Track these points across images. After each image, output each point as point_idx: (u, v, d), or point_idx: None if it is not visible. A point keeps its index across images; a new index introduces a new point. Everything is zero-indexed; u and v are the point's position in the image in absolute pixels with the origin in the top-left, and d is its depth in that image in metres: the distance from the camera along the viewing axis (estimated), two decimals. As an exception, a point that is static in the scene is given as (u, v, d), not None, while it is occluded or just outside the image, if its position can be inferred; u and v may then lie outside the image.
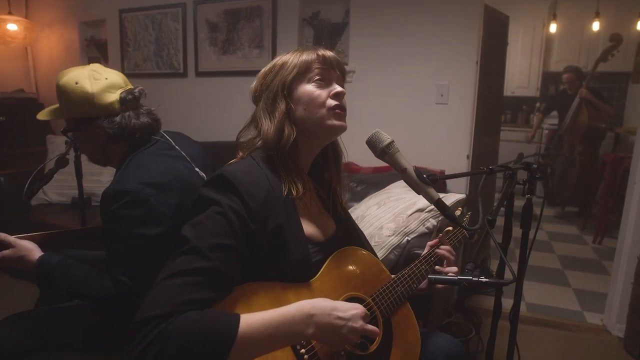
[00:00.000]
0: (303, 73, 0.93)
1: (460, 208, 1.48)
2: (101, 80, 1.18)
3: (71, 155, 1.61)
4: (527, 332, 2.27)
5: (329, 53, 0.96)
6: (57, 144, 3.18)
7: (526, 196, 1.27)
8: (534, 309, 2.55)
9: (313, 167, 1.05)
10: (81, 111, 1.18)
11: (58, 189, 2.95)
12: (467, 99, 2.38)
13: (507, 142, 5.14)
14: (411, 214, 1.62)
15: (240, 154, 0.97)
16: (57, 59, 3.88)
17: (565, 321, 2.38)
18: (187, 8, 3.11)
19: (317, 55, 0.94)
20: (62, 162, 1.46)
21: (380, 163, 2.45)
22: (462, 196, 1.65)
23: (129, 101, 1.20)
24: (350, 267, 0.97)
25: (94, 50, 3.70)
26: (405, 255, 1.53)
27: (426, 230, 1.61)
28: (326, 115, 0.92)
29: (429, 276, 1.01)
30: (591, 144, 4.16)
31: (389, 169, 2.39)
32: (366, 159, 2.63)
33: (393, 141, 0.91)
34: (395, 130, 2.55)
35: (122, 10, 3.38)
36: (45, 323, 1.28)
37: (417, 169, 0.88)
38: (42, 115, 1.29)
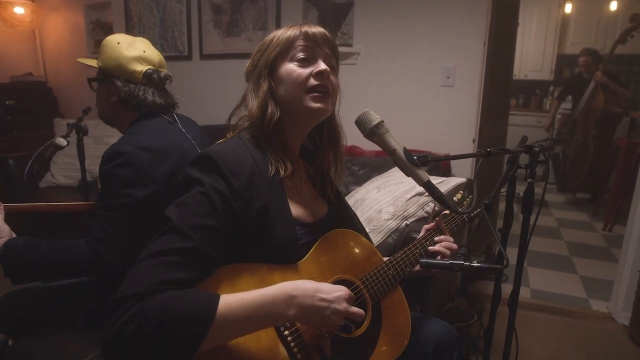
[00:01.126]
0: (286, 51, 0.91)
1: (461, 191, 1.45)
2: (138, 50, 1.29)
3: (73, 139, 1.63)
4: (530, 319, 2.25)
5: (314, 29, 0.93)
6: (64, 127, 3.21)
7: (528, 180, 1.25)
8: (538, 295, 2.52)
9: (307, 149, 1.03)
10: (109, 66, 1.27)
11: (66, 172, 2.98)
12: (474, 81, 2.32)
13: (519, 127, 5.04)
14: (410, 198, 1.60)
15: (230, 134, 0.95)
16: (63, 42, 3.89)
17: (570, 308, 2.35)
18: (191, -11, 3.07)
19: (300, 31, 0.91)
20: (58, 145, 1.46)
21: (376, 149, 2.42)
22: (462, 180, 1.61)
23: (152, 78, 1.29)
24: (340, 250, 0.95)
25: (100, 33, 3.69)
26: (403, 239, 1.51)
27: (425, 215, 1.59)
28: (304, 97, 0.90)
29: (421, 260, 0.99)
30: (606, 129, 4.05)
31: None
32: (370, 142, 2.61)
33: (382, 121, 0.88)
34: (400, 112, 2.53)
35: (127, -7, 3.36)
36: (47, 300, 1.30)
37: (406, 151, 0.86)
38: (82, 60, 1.42)
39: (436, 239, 1.12)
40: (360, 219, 1.64)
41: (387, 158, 2.25)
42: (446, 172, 2.30)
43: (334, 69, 0.97)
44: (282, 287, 0.74)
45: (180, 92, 3.44)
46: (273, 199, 0.86)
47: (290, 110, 0.92)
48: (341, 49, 2.53)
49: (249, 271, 0.81)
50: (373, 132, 0.86)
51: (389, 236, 1.57)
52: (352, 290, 0.93)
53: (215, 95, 3.15)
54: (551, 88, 5.36)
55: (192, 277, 0.72)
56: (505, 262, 0.97)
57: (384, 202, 1.63)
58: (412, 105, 2.49)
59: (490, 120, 2.53)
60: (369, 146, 2.58)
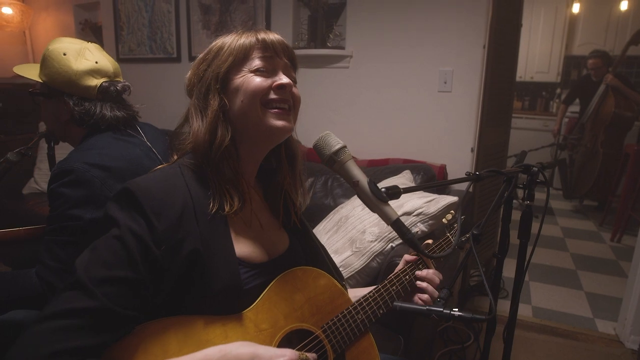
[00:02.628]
0: (240, 61, 0.78)
1: (452, 212, 1.31)
2: (89, 62, 1.16)
3: (43, 148, 1.52)
4: (530, 341, 2.11)
5: (272, 36, 0.80)
6: (49, 132, 3.11)
7: (525, 202, 1.12)
8: (540, 313, 2.38)
9: (265, 169, 0.90)
10: (57, 82, 1.15)
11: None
12: (473, 86, 2.18)
13: (524, 131, 4.88)
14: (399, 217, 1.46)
15: (174, 157, 0.83)
16: (53, 43, 3.79)
17: (574, 329, 2.20)
18: (180, -11, 2.95)
19: (257, 39, 0.78)
20: (10, 160, 1.35)
21: (376, 155, 2.30)
22: (454, 199, 1.47)
23: (108, 92, 1.19)
24: (299, 293, 0.82)
25: (90, 34, 3.58)
26: (387, 263, 1.38)
27: (419, 232, 1.45)
28: (263, 114, 0.77)
29: (395, 303, 0.86)
30: (616, 134, 3.87)
31: (384, 162, 2.23)
32: (362, 151, 2.48)
33: (344, 147, 0.75)
34: (394, 119, 2.39)
35: (116, -8, 3.25)
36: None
37: (372, 183, 0.72)
38: (19, 70, 1.25)
39: (418, 273, 0.98)
40: (343, 239, 1.51)
41: (379, 169, 2.13)
42: (442, 189, 2.15)
43: (295, 81, 0.84)
44: (207, 356, 0.61)
45: (170, 95, 3.31)
46: (211, 239, 0.73)
47: (247, 130, 0.79)
48: (333, 52, 2.42)
49: (181, 328, 0.68)
50: (332, 159, 0.73)
51: (372, 259, 1.43)
52: (311, 342, 0.80)
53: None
54: (558, 90, 5.18)
55: (96, 343, 0.59)
56: (491, 312, 0.84)
57: (369, 221, 1.49)
58: (406, 111, 2.35)
59: (491, 126, 2.38)
60: (363, 155, 2.45)
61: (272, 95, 0.77)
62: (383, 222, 1.44)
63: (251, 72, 0.77)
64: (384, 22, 2.33)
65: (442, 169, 2.13)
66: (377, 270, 1.43)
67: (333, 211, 1.80)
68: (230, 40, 0.80)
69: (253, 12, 2.70)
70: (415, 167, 2.04)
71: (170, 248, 0.67)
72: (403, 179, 1.84)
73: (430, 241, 1.06)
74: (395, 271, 1.00)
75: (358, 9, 2.39)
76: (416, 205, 1.45)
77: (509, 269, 2.83)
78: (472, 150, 2.23)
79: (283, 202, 0.91)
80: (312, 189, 2.17)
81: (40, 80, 1.19)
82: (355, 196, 1.82)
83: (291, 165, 0.90)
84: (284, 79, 0.78)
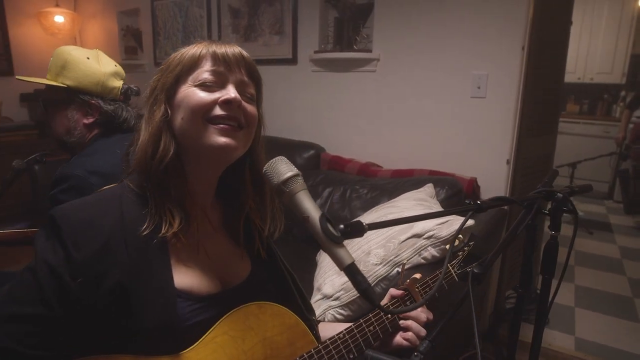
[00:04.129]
0: (187, 72, 0.70)
1: (460, 236, 1.16)
2: (110, 65, 1.23)
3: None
4: (570, 379, 1.87)
5: (226, 48, 0.72)
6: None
7: (551, 233, 0.97)
8: (584, 346, 2.11)
9: (230, 189, 0.81)
10: (84, 84, 1.18)
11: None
12: (510, 91, 1.97)
13: (581, 137, 4.47)
14: (405, 240, 1.32)
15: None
16: (99, 48, 3.95)
17: (624, 369, 1.93)
18: (211, -7, 2.96)
19: (208, 50, 0.70)
20: (17, 168, 1.37)
21: (402, 165, 2.16)
22: (470, 222, 1.31)
23: (128, 95, 1.25)
24: (251, 331, 0.72)
25: (131, 40, 3.71)
26: (392, 290, 1.25)
27: (423, 261, 1.31)
28: (205, 130, 0.68)
29: (367, 352, 0.74)
30: (688, 143, 3.42)
31: (409, 173, 2.08)
32: (388, 160, 2.33)
33: (297, 175, 0.64)
34: (422, 127, 2.23)
35: (154, -1, 3.33)
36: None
37: (325, 219, 0.61)
38: (31, 79, 1.28)
39: (407, 314, 0.86)
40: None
41: (401, 180, 1.98)
42: (472, 198, 1.97)
43: (253, 97, 0.75)
44: None
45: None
46: (144, 269, 0.65)
47: (189, 147, 0.71)
48: (358, 55, 2.30)
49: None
50: (280, 189, 0.63)
51: (376, 284, 1.31)
52: (261, 393, 0.70)
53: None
54: (623, 93, 4.68)
55: None
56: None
57: (375, 242, 1.36)
58: (436, 118, 2.18)
59: (532, 136, 2.15)
60: (388, 163, 2.31)
61: (217, 112, 0.69)
62: (390, 244, 1.32)
63: (195, 85, 0.69)
64: (413, 22, 2.17)
65: (472, 182, 1.95)
66: (381, 297, 1.30)
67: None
68: (184, 51, 0.72)
69: (280, 15, 2.64)
70: (440, 180, 1.88)
71: (89, 281, 0.61)
72: (422, 194, 1.68)
73: (418, 275, 0.92)
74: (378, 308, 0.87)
75: (386, 10, 2.25)
76: (427, 227, 1.31)
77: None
78: (508, 162, 2.02)
79: (247, 227, 0.82)
80: (330, 199, 2.07)
81: (64, 85, 1.20)
82: (368, 212, 1.70)
83: (257, 187, 0.81)
84: (230, 94, 0.69)
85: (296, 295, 0.84)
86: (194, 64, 0.70)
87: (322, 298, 1.37)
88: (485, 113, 2.04)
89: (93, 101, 1.17)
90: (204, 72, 0.70)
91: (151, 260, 0.66)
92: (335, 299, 1.34)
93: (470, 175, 2.01)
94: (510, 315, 2.33)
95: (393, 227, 1.42)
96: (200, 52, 0.70)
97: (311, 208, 0.62)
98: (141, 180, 0.70)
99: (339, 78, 2.48)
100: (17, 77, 1.35)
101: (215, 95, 0.69)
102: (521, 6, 1.87)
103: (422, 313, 0.86)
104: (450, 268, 0.99)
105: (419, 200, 1.60)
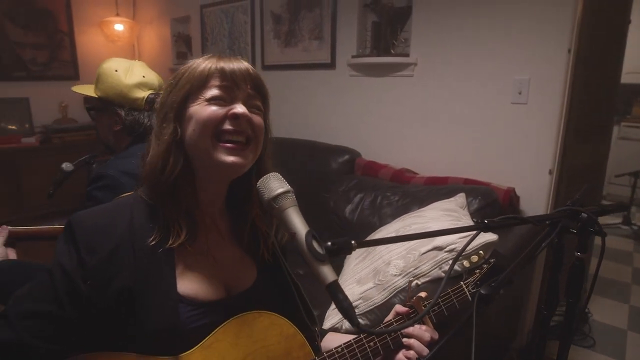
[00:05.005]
0: (197, 89, 0.74)
1: (481, 252, 1.12)
2: (137, 76, 1.30)
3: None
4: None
5: (234, 64, 0.74)
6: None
7: (576, 254, 0.92)
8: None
9: (237, 195, 0.84)
10: (110, 95, 1.28)
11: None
12: (554, 97, 1.86)
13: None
14: (425, 252, 1.29)
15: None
16: (155, 54, 4.21)
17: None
18: (255, 0, 3.04)
19: (216, 67, 0.74)
20: (64, 170, 1.49)
21: (438, 172, 2.12)
22: (493, 238, 1.25)
23: (154, 103, 1.29)
24: (247, 340, 0.75)
25: (182, 45, 3.90)
26: (410, 303, 1.23)
27: (443, 275, 1.27)
28: (214, 147, 0.72)
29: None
30: None
31: (443, 181, 2.03)
32: (423, 166, 2.29)
33: (287, 192, 0.65)
34: (459, 133, 2.17)
35: (203, 6, 3.48)
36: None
37: (311, 237, 0.62)
38: (77, 89, 1.41)
39: (407, 330, 0.84)
40: (368, 269, 1.39)
41: (434, 188, 1.94)
42: (509, 209, 1.88)
43: (260, 109, 0.77)
44: None
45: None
46: (149, 275, 0.70)
47: (199, 161, 0.75)
48: (395, 60, 2.28)
49: (111, 363, 0.67)
50: (270, 205, 0.65)
51: (394, 295, 1.29)
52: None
53: (274, 106, 3.09)
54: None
55: None
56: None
57: (396, 252, 1.35)
58: (474, 124, 2.11)
59: (581, 143, 2.02)
60: (425, 170, 2.27)
61: (226, 126, 0.72)
62: (410, 255, 1.30)
63: (206, 100, 0.73)
64: (452, 26, 2.11)
65: (509, 193, 1.86)
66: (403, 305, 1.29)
67: (370, 235, 1.68)
68: (193, 67, 0.76)
69: (320, 21, 2.66)
70: (473, 189, 1.81)
71: (98, 284, 0.67)
72: (452, 204, 1.64)
73: (423, 294, 0.90)
74: (385, 321, 0.87)
75: (424, 13, 2.20)
76: (449, 240, 1.27)
77: (599, 310, 2.39)
78: (551, 172, 1.91)
79: (253, 234, 0.85)
80: (361, 205, 2.06)
81: (96, 96, 1.32)
82: (395, 220, 1.68)
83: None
84: (239, 109, 0.72)
85: (299, 306, 0.85)
86: (203, 81, 0.73)
87: (341, 306, 1.37)
88: (526, 120, 1.94)
89: (118, 111, 1.27)
90: (213, 88, 0.73)
91: (157, 267, 0.71)
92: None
93: (508, 185, 1.92)
94: (554, 334, 2.22)
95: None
96: (210, 69, 0.73)
97: (299, 224, 0.64)
98: (151, 192, 0.75)
99: (376, 83, 2.47)
100: (72, 88, 1.47)
101: (225, 109, 0.72)
102: (567, 7, 1.76)
103: (426, 332, 0.85)
104: (465, 287, 0.96)
105: (447, 210, 1.56)
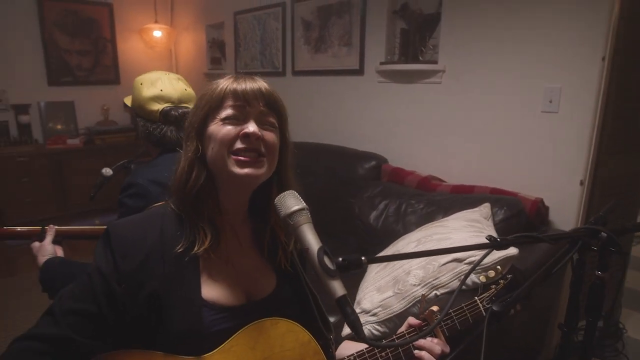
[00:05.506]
0: (215, 110, 0.80)
1: (498, 267, 1.12)
2: (156, 90, 1.34)
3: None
4: None
5: (246, 84, 0.79)
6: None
7: (597, 273, 0.92)
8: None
9: (258, 205, 0.89)
10: (134, 107, 1.38)
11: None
12: (587, 106, 1.81)
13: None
14: (445, 263, 1.30)
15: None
16: (190, 59, 4.37)
17: None
18: (286, 7, 3.11)
19: (230, 88, 0.79)
20: (104, 175, 1.59)
21: (465, 180, 2.12)
22: (513, 252, 1.24)
23: (169, 116, 1.34)
24: (263, 345, 0.79)
25: (217, 51, 4.03)
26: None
27: (462, 287, 1.28)
28: (228, 161, 0.77)
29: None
30: None
31: (469, 190, 2.02)
32: (450, 174, 2.28)
33: (302, 209, 0.69)
34: (487, 142, 2.16)
35: (237, 13, 3.58)
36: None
37: (323, 253, 0.65)
38: (128, 100, 1.51)
39: (417, 342, 0.87)
40: (388, 277, 1.42)
41: (460, 197, 1.94)
42: (536, 220, 1.85)
43: (273, 126, 0.82)
44: None
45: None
46: (176, 280, 0.76)
47: (219, 175, 0.81)
48: (422, 67, 2.29)
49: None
50: (286, 221, 0.69)
51: (413, 305, 1.31)
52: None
53: (301, 111, 3.16)
54: None
55: None
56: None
57: (416, 262, 1.36)
58: (502, 133, 2.08)
59: (615, 153, 1.95)
60: (451, 178, 2.26)
61: (238, 145, 0.77)
62: (430, 266, 1.32)
63: (221, 120, 0.78)
64: (481, 33, 2.09)
65: (536, 203, 1.83)
66: (416, 317, 1.31)
67: (393, 243, 1.70)
68: (211, 88, 0.82)
69: (349, 27, 2.70)
70: (499, 199, 1.79)
71: (131, 288, 0.73)
72: (476, 214, 1.63)
73: (435, 308, 0.92)
74: (398, 333, 0.90)
75: (453, 20, 2.19)
76: (469, 252, 1.27)
77: (634, 326, 2.30)
78: (582, 183, 1.86)
79: (273, 243, 0.89)
80: (385, 212, 2.08)
81: (130, 105, 1.43)
82: (420, 228, 1.69)
83: None
84: (249, 128, 0.77)
85: (315, 314, 0.89)
86: (219, 101, 0.79)
87: (361, 312, 1.40)
88: (557, 129, 1.90)
89: (138, 120, 1.36)
90: (228, 108, 0.79)
91: (183, 274, 0.77)
92: (372, 315, 1.37)
93: (537, 195, 1.89)
94: (579, 349, 2.16)
95: (435, 247, 1.41)
96: (224, 91, 0.79)
97: (312, 240, 0.67)
98: (178, 203, 0.81)
99: (404, 89, 2.48)
100: (124, 100, 1.57)
101: (238, 129, 0.77)
102: (601, 14, 1.72)
103: (437, 345, 0.87)
104: (479, 302, 0.97)
105: (470, 221, 1.55)
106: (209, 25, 4.00)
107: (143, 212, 0.85)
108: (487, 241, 0.80)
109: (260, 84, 0.81)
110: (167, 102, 1.35)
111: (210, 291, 0.79)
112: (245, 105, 0.79)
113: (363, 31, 2.62)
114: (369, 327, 1.36)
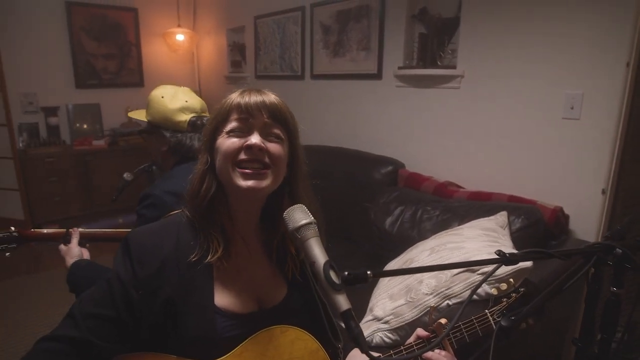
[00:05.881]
0: (221, 123, 0.83)
1: (511, 279, 1.11)
2: (180, 101, 1.40)
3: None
4: None
5: (250, 97, 0.82)
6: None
7: (612, 289, 0.91)
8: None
9: (269, 215, 0.91)
10: (157, 119, 1.40)
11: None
12: (610, 113, 1.77)
13: None
14: (458, 273, 1.30)
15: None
16: (211, 62, 4.44)
17: None
18: (306, 11, 3.13)
19: (235, 102, 0.82)
20: (125, 179, 1.64)
21: (483, 187, 2.10)
22: (527, 265, 1.22)
23: (196, 125, 1.40)
24: (272, 352, 0.81)
25: (237, 54, 4.09)
26: (440, 323, 1.24)
27: (475, 297, 1.27)
28: (233, 174, 0.80)
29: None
30: None
31: (487, 197, 1.99)
32: (467, 180, 2.25)
33: (310, 224, 0.71)
34: (506, 148, 2.14)
35: (257, 17, 3.63)
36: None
37: (329, 267, 0.67)
38: (133, 114, 1.56)
39: (426, 355, 0.87)
40: (400, 285, 1.42)
41: (477, 205, 1.92)
42: (555, 229, 1.81)
43: (279, 137, 0.83)
44: None
45: (294, 110, 3.56)
46: (190, 288, 0.78)
47: (227, 187, 0.83)
48: (441, 72, 2.28)
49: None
50: (294, 235, 0.70)
51: (425, 314, 1.31)
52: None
53: (319, 115, 3.17)
54: None
55: None
56: None
57: (429, 270, 1.36)
58: (521, 139, 2.05)
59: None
60: (468, 184, 2.24)
61: (242, 156, 0.79)
62: (442, 274, 1.31)
63: (227, 133, 0.81)
64: (501, 37, 2.06)
65: (556, 212, 1.79)
66: (427, 326, 1.30)
67: (407, 250, 1.69)
68: (221, 103, 0.85)
69: (367, 32, 2.70)
70: (517, 208, 1.77)
71: (147, 294, 0.76)
72: (492, 223, 1.61)
73: (443, 320, 0.92)
74: (406, 344, 0.90)
75: (472, 24, 2.17)
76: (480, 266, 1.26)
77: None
78: (604, 192, 1.82)
79: (284, 252, 0.91)
80: (401, 218, 2.08)
81: (146, 120, 1.46)
82: (434, 236, 1.68)
83: None
84: (252, 140, 0.79)
85: (325, 323, 0.90)
86: (225, 115, 0.82)
87: (373, 319, 1.41)
88: (578, 136, 1.86)
89: (163, 133, 1.38)
90: (232, 122, 0.81)
91: (197, 281, 0.80)
92: (384, 322, 1.37)
93: (556, 204, 1.85)
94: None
95: (450, 256, 1.40)
96: (230, 105, 0.82)
97: (318, 254, 0.69)
98: (192, 212, 0.84)
99: (422, 94, 2.46)
100: (128, 114, 1.61)
101: (241, 141, 0.80)
102: (625, 19, 1.67)
103: (444, 358, 0.87)
104: (489, 315, 0.97)
105: (485, 230, 1.54)
106: (230, 29, 4.05)
107: (160, 220, 0.88)
108: (497, 255, 0.80)
109: (266, 96, 0.83)
110: (192, 112, 1.41)
111: (223, 298, 0.82)
112: (249, 118, 0.81)
113: (381, 35, 2.62)
114: (381, 334, 1.37)
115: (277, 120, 0.83)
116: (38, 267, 3.19)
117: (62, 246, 1.35)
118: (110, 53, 4.14)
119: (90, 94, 4.08)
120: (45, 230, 1.39)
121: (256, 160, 0.79)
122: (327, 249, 0.71)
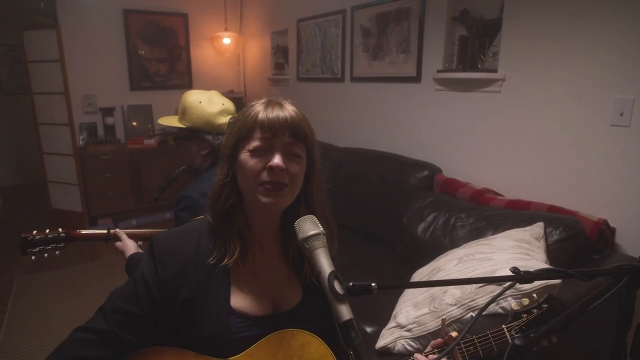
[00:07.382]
0: (244, 138, 0.85)
1: (534, 295, 1.08)
2: (218, 105, 1.47)
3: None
4: None
5: (274, 113, 0.83)
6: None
7: (622, 308, 0.88)
8: None
9: (287, 221, 0.94)
10: (197, 124, 1.45)
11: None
12: (664, 121, 1.65)
13: None
14: (483, 285, 1.27)
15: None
16: (256, 64, 4.57)
17: None
18: (347, 14, 3.15)
19: (258, 119, 0.84)
20: (177, 174, 1.74)
21: (521, 195, 2.04)
22: (555, 281, 1.17)
23: None
24: (286, 354, 0.84)
25: (280, 56, 4.17)
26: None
27: (500, 311, 1.23)
28: (256, 189, 0.83)
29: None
30: None
31: (525, 206, 1.93)
32: (506, 188, 2.18)
33: (319, 234, 0.73)
34: (548, 156, 2.06)
35: (299, 20, 3.69)
36: None
37: (333, 277, 0.69)
38: (163, 121, 1.60)
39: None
40: (426, 293, 1.41)
41: (514, 214, 1.86)
42: (598, 242, 1.72)
43: (299, 156, 0.85)
44: None
45: (330, 113, 3.63)
46: (208, 289, 0.83)
47: (247, 200, 0.87)
48: (481, 75, 2.24)
49: (174, 356, 0.82)
50: (302, 244, 0.73)
51: (449, 325, 1.29)
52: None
53: (358, 117, 3.18)
54: None
55: (104, 355, 0.80)
56: None
57: (454, 280, 1.34)
58: (564, 147, 1.95)
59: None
60: (507, 192, 2.16)
61: (264, 177, 0.82)
62: (467, 286, 1.29)
63: (249, 151, 0.83)
64: (545, 39, 1.97)
65: (599, 225, 1.69)
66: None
67: (436, 258, 1.67)
68: (244, 114, 0.87)
69: (407, 34, 2.67)
70: (555, 218, 1.69)
71: (168, 293, 0.82)
72: (527, 234, 1.55)
73: (454, 334, 0.91)
74: (415, 357, 0.90)
75: (515, 26, 2.09)
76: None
77: None
78: (655, 204, 1.70)
79: (300, 257, 0.94)
80: (434, 225, 2.05)
81: (184, 126, 1.50)
82: (464, 245, 1.65)
83: None
84: (274, 161, 0.81)
85: (329, 330, 0.92)
86: (249, 131, 0.84)
87: (396, 326, 1.41)
88: (628, 144, 1.74)
89: (206, 137, 1.44)
90: (255, 140, 0.83)
91: (215, 283, 0.85)
92: (407, 330, 1.37)
93: (599, 216, 1.75)
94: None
95: (477, 267, 1.37)
96: (254, 122, 0.84)
97: (325, 264, 0.71)
98: (212, 217, 0.89)
99: (461, 98, 2.41)
100: (158, 121, 1.68)
101: (263, 161, 0.82)
102: (684, 20, 1.55)
103: None
104: (506, 330, 0.95)
105: (519, 241, 1.49)
106: (273, 32, 4.15)
107: (184, 224, 0.94)
108: (510, 275, 0.78)
109: (287, 112, 0.84)
110: (229, 114, 1.48)
111: (239, 300, 0.86)
112: (272, 137, 0.83)
113: (421, 38, 2.58)
114: (403, 342, 1.36)
115: (298, 139, 0.85)
116: (95, 256, 3.44)
117: (117, 243, 1.46)
118: (162, 57, 4.37)
119: (143, 96, 4.33)
120: (90, 231, 1.51)
121: (276, 181, 0.82)
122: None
